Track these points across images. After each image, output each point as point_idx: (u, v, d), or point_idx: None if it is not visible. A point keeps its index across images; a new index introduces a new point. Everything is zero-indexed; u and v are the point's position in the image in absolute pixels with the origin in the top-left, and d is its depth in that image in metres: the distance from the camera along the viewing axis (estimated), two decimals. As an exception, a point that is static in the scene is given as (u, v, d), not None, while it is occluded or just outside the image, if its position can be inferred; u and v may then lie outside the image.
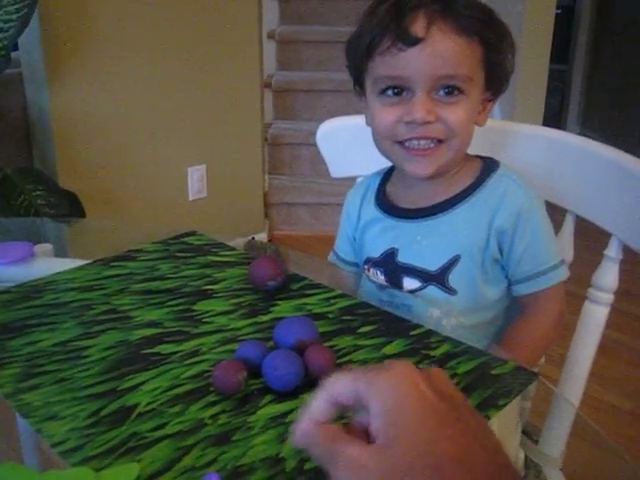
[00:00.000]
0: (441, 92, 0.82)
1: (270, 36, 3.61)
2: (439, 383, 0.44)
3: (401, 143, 0.85)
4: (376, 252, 0.95)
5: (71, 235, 1.32)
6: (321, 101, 3.42)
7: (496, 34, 0.84)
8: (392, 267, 0.93)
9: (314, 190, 3.16)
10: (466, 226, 0.89)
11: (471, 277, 0.89)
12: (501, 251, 0.89)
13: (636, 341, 2.32)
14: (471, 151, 0.91)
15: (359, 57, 0.86)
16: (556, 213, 0.99)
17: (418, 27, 0.79)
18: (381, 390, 0.41)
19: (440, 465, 0.38)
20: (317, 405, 0.44)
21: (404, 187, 0.94)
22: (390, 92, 0.84)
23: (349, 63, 0.90)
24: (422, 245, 0.90)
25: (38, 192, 2.02)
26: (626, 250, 0.94)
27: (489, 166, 0.91)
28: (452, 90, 0.82)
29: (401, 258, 0.92)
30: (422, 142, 0.84)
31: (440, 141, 0.84)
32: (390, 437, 0.40)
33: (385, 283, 0.93)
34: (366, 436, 0.42)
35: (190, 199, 2.67)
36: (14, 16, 1.90)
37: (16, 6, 1.90)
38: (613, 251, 0.94)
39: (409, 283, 0.91)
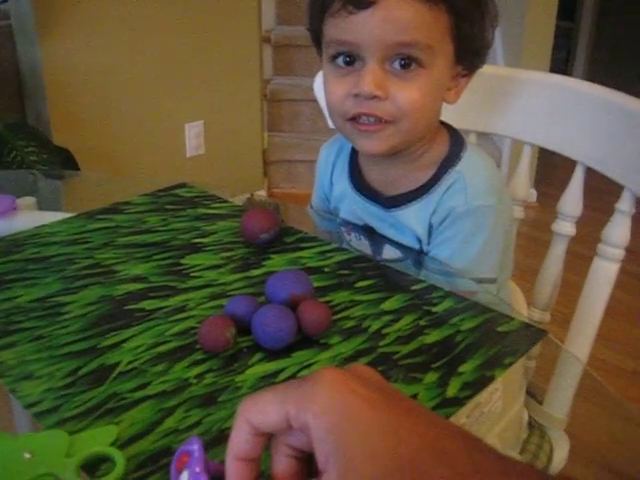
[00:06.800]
0: (396, 63, 0.73)
1: (269, -11, 3.52)
2: (372, 379, 0.38)
3: (351, 120, 0.77)
4: (353, 221, 0.91)
5: (65, 189, 1.28)
6: (321, 56, 3.34)
7: (469, 2, 0.75)
8: (374, 235, 0.88)
9: (314, 147, 3.07)
10: (417, 222, 0.83)
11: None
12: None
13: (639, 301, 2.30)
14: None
15: (315, 18, 0.79)
16: (564, 165, 0.94)
17: None
18: (320, 406, 0.35)
19: (415, 464, 0.33)
20: (239, 441, 0.37)
21: (368, 162, 0.88)
22: (341, 60, 0.76)
23: (308, 25, 0.82)
24: (390, 232, 0.86)
25: (30, 148, 1.96)
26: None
27: (450, 157, 0.83)
28: (409, 62, 0.73)
29: (380, 232, 0.88)
30: (371, 119, 0.76)
31: (387, 121, 0.76)
32: (348, 456, 0.33)
33: (368, 249, 0.87)
34: (299, 463, 0.37)
35: (187, 156, 2.61)
36: (1, -36, 1.83)
37: (3, -47, 1.83)
38: (625, 204, 0.89)
39: (390, 252, 0.86)
